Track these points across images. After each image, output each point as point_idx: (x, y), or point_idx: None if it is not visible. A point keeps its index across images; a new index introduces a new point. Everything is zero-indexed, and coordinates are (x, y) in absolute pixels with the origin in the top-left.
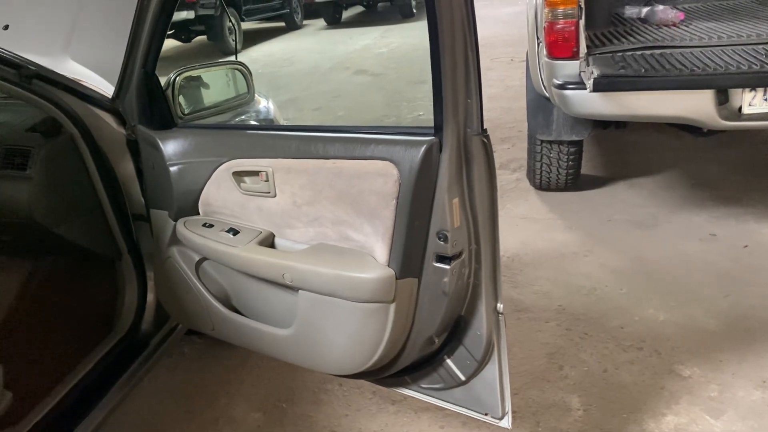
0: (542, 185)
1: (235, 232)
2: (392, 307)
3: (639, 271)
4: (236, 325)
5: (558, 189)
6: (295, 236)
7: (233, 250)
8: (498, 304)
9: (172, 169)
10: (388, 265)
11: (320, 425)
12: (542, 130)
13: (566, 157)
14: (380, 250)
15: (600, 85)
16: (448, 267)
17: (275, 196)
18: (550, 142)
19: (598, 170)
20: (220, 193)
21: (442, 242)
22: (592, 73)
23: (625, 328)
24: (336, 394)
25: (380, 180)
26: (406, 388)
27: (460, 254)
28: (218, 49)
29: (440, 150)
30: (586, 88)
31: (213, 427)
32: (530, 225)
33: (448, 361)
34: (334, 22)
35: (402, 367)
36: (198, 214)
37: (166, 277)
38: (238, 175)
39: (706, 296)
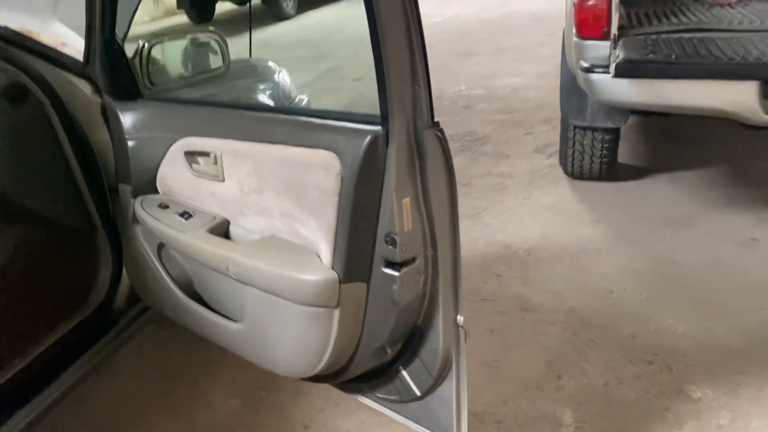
0: (575, 173)
1: (188, 216)
2: (336, 313)
3: (664, 275)
4: (193, 314)
5: (591, 178)
6: (248, 225)
7: (182, 237)
8: (458, 316)
9: (130, 143)
10: (332, 268)
11: (295, 418)
12: (576, 114)
13: (601, 145)
14: (325, 251)
15: (623, 70)
16: (397, 274)
17: (224, 180)
18: (584, 128)
19: (637, 160)
20: (175, 172)
21: (390, 246)
22: (618, 56)
23: (638, 339)
24: (318, 385)
25: (322, 173)
26: (364, 396)
27: (412, 260)
28: (272, 14)
29: (387, 143)
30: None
31: (187, 410)
32: (556, 216)
33: (404, 373)
34: None
35: (355, 375)
36: (157, 191)
37: (131, 256)
38: (190, 155)
39: (735, 309)
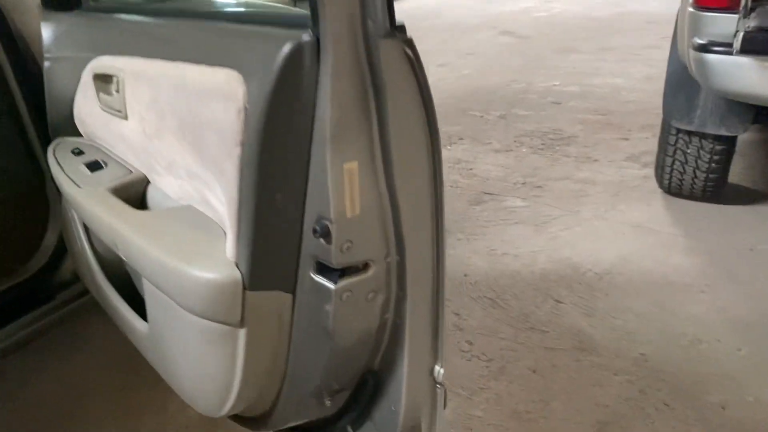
0: (672, 188)
1: (97, 168)
2: (242, 334)
3: None
4: (108, 301)
5: (692, 197)
6: (164, 186)
7: (77, 195)
8: (435, 366)
9: (46, 65)
10: (237, 266)
11: None
12: (681, 115)
13: (709, 156)
14: (229, 238)
15: (753, 44)
16: (332, 286)
17: (127, 118)
18: (690, 134)
19: (753, 182)
20: (86, 105)
21: (321, 240)
22: (748, 27)
23: (728, 410)
24: None
25: (220, 105)
26: None
27: (361, 268)
28: None
29: (318, 57)
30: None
31: (137, 414)
32: (642, 237)
33: None
34: None
35: (284, 426)
36: (79, 133)
37: (64, 218)
38: (100, 80)
39: None
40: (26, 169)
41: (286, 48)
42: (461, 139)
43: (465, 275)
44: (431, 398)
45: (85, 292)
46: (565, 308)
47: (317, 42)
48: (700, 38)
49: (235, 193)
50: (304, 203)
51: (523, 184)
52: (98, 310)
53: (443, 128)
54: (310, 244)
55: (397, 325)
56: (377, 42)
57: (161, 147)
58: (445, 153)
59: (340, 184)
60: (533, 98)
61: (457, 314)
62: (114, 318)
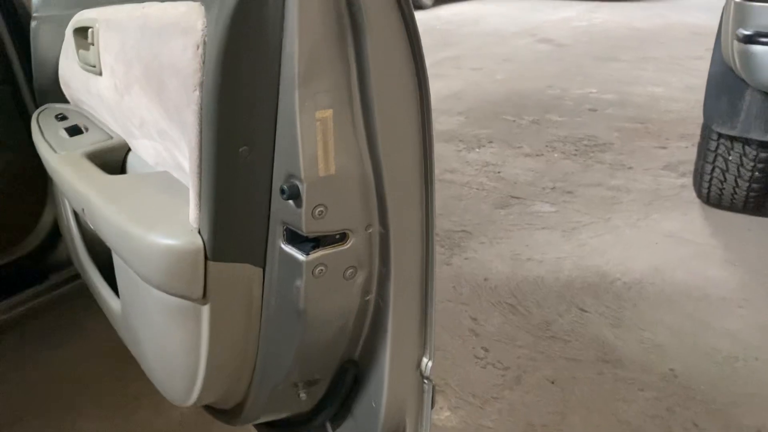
0: (711, 198)
1: (77, 132)
2: (205, 310)
3: None
4: (90, 280)
5: (732, 208)
6: (141, 151)
7: (52, 160)
8: (423, 359)
9: (32, 25)
10: (198, 231)
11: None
12: (723, 119)
13: (752, 164)
14: (192, 198)
15: None
16: (303, 258)
17: (101, 73)
18: (732, 139)
19: None
20: (69, 66)
21: (290, 203)
22: None
23: None
24: None
25: (178, 42)
26: None
27: (337, 238)
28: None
29: None
30: None
31: (128, 409)
32: (676, 247)
33: None
34: None
35: (257, 419)
36: (64, 98)
37: (55, 192)
38: (78, 34)
39: None
40: (23, 143)
41: None
42: (491, 142)
43: (485, 279)
44: (417, 394)
45: (79, 275)
46: (589, 317)
47: None
48: (745, 29)
49: (196, 147)
50: (272, 159)
51: (552, 189)
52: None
53: (474, 131)
54: (280, 209)
55: (379, 308)
56: None
57: (132, 103)
58: (473, 156)
59: (312, 136)
60: (568, 105)
61: (474, 319)
62: (96, 298)
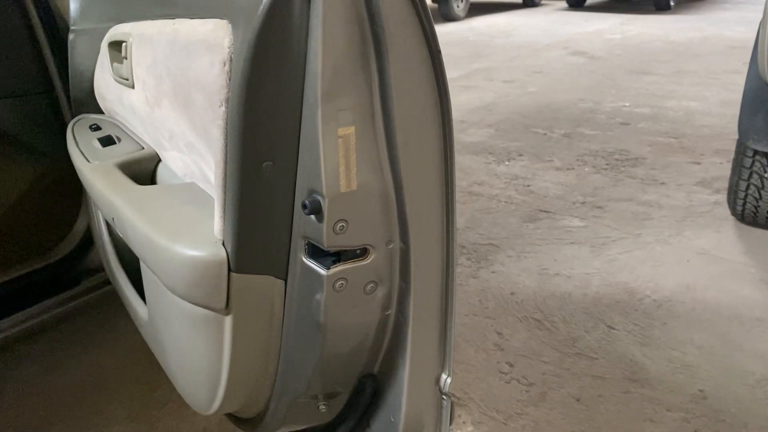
0: (746, 216)
1: (110, 143)
2: (228, 321)
3: None
4: (120, 287)
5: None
6: (171, 163)
7: (85, 169)
8: (442, 375)
9: (70, 38)
10: (222, 243)
11: None
12: (759, 136)
13: None
14: (217, 211)
15: None
16: (324, 272)
17: (133, 86)
18: None
19: None
20: (104, 78)
21: (312, 217)
22: None
23: None
24: None
25: (206, 59)
26: None
27: (361, 253)
28: (441, 14)
29: (309, 1)
30: None
31: (154, 410)
32: (708, 265)
33: None
34: (576, 5)
35: (279, 431)
36: (99, 109)
37: (89, 200)
38: (113, 47)
39: None
40: (61, 151)
41: None
42: (521, 155)
43: (512, 293)
44: (436, 410)
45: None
46: (617, 335)
47: None
48: None
49: (221, 162)
50: (295, 175)
51: (582, 203)
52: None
53: (503, 144)
54: (302, 223)
55: (399, 323)
56: None
57: (162, 116)
58: (503, 168)
59: (334, 152)
60: (601, 118)
61: (499, 333)
62: (124, 304)
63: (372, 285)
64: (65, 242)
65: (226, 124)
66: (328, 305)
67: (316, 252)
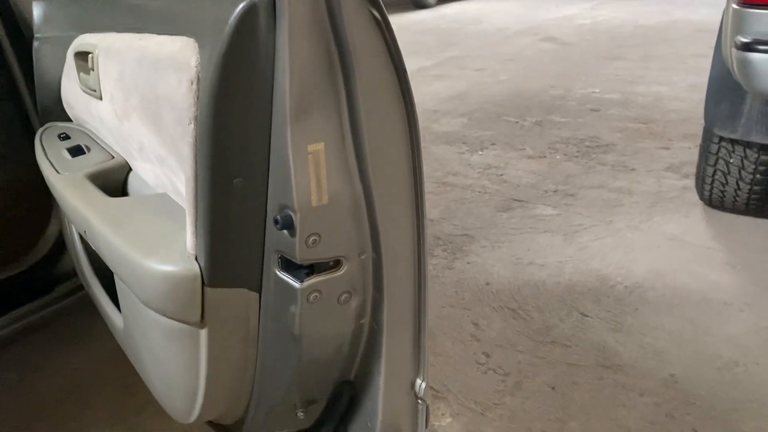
0: (713, 201)
1: (79, 153)
2: (203, 334)
3: None
4: (94, 295)
5: (734, 210)
6: (141, 173)
7: (55, 180)
8: (417, 380)
9: (35, 45)
10: (195, 258)
11: None
12: (724, 123)
13: (754, 167)
14: (189, 226)
15: None
16: (297, 285)
17: (101, 98)
18: (734, 142)
19: None
20: (71, 87)
21: (285, 232)
22: None
23: None
24: None
25: (173, 77)
26: None
27: (333, 265)
28: (411, 2)
29: (274, 20)
30: None
31: (136, 414)
32: (677, 250)
33: None
34: None
35: None
36: (68, 117)
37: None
38: (79, 58)
39: None
40: (29, 156)
41: (238, 9)
42: (494, 144)
43: (487, 283)
44: (412, 415)
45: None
46: (590, 322)
47: (273, 2)
48: (743, 36)
49: (192, 178)
50: (266, 190)
51: (554, 191)
52: None
53: (477, 133)
54: (274, 237)
55: (374, 331)
56: (340, 1)
57: (131, 129)
58: (476, 158)
59: (304, 168)
60: (571, 105)
61: (475, 324)
62: (99, 311)
63: (346, 295)
64: (37, 248)
65: (196, 141)
66: (302, 317)
67: (289, 265)
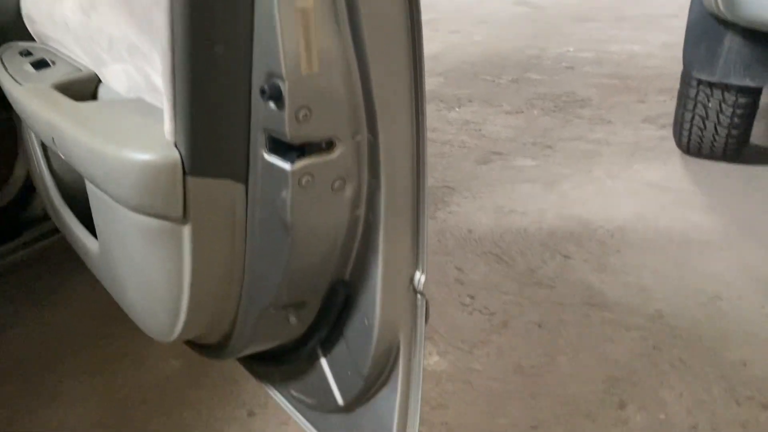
0: (691, 147)
1: (44, 66)
2: (186, 231)
3: None
4: (63, 223)
5: (712, 156)
6: (112, 80)
7: (17, 92)
8: (416, 273)
9: None
10: (175, 144)
11: (241, 400)
12: (702, 65)
13: (732, 110)
14: (166, 108)
15: None
16: (288, 167)
17: None
18: (712, 85)
19: None
20: None
21: (272, 104)
22: None
23: (749, 367)
24: None
25: None
26: (274, 388)
27: (326, 147)
28: None
29: None
30: None
31: (111, 365)
32: (658, 195)
33: (323, 361)
34: None
35: (245, 351)
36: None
37: (24, 137)
38: None
39: None
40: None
41: None
42: (471, 101)
43: (469, 231)
44: (411, 310)
45: (56, 230)
46: (573, 264)
47: None
48: None
49: (168, 50)
50: (251, 58)
51: (533, 144)
52: (72, 254)
53: (453, 92)
54: (261, 114)
55: (370, 223)
56: None
57: (99, 22)
58: (454, 115)
59: (292, 29)
60: (547, 64)
61: (459, 269)
62: (73, 244)
63: (340, 182)
64: (2, 192)
65: (171, 4)
66: (294, 203)
67: (278, 147)
